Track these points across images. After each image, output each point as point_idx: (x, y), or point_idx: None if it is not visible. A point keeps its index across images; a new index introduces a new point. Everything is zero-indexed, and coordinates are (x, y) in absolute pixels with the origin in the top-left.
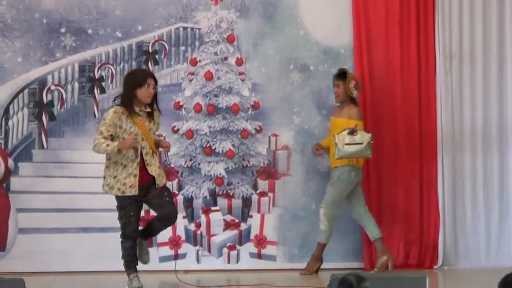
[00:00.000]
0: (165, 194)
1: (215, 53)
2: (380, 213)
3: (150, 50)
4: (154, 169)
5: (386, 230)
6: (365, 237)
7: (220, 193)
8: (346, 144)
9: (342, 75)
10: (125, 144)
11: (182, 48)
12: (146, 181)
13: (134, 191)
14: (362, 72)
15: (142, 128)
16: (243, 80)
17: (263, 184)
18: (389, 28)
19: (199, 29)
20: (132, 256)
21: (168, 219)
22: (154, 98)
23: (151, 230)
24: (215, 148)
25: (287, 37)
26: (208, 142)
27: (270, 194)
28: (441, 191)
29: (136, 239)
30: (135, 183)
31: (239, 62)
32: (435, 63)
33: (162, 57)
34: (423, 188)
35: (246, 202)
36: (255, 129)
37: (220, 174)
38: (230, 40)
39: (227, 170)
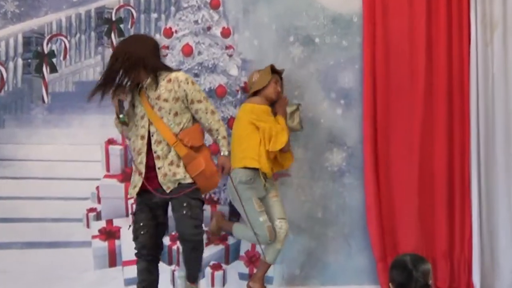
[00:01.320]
0: (184, 204)
1: (196, 22)
2: (395, 222)
3: (114, 18)
4: (163, 168)
5: (404, 243)
6: (378, 254)
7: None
8: None
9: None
10: None
11: (154, 15)
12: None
13: (134, 193)
14: (374, 46)
15: (146, 107)
16: (230, 56)
17: None
18: None
19: None
20: (143, 284)
21: (182, 242)
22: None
23: (183, 261)
24: None
25: (286, 1)
26: None
27: None
28: (475, 194)
29: (152, 261)
30: (138, 182)
31: (226, 33)
32: (470, 34)
33: (129, 26)
34: (452, 190)
35: (235, 209)
36: None
37: None
38: (215, 5)
39: None
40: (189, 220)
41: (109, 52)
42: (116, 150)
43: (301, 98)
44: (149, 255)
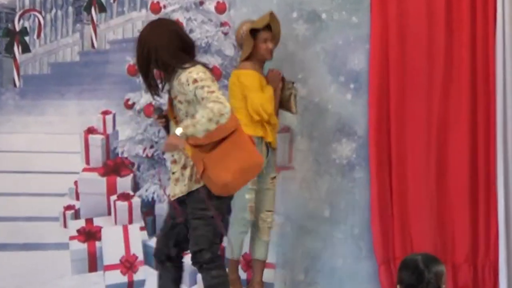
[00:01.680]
0: (192, 214)
1: None
2: (409, 222)
3: None
4: (177, 172)
5: (418, 245)
6: (379, 257)
7: None
8: None
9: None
10: None
11: None
12: None
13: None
14: (385, 24)
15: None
16: (226, 34)
17: None
18: None
19: None
20: None
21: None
22: None
23: None
24: None
25: None
26: None
27: None
28: (501, 192)
29: (160, 263)
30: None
31: (221, 8)
32: (496, 10)
33: (111, 0)
34: (475, 187)
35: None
36: None
37: None
38: None
39: None
40: (191, 242)
41: (88, 29)
42: (96, 140)
43: (305, 82)
44: (157, 256)
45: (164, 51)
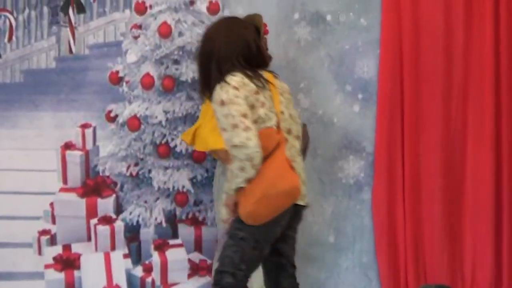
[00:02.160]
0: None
1: None
2: (424, 248)
3: None
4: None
5: (433, 273)
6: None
7: (184, 217)
8: None
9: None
10: None
11: None
12: None
13: None
14: (397, 26)
15: None
16: None
17: None
18: None
19: None
20: None
21: None
22: None
23: None
24: (175, 146)
25: None
26: (164, 136)
27: None
28: None
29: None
30: None
31: (214, 9)
32: None
33: (91, 0)
34: (499, 207)
35: None
36: None
37: (183, 187)
38: None
39: (194, 181)
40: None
41: (66, 32)
42: (75, 157)
43: (308, 92)
44: None
45: (223, 54)
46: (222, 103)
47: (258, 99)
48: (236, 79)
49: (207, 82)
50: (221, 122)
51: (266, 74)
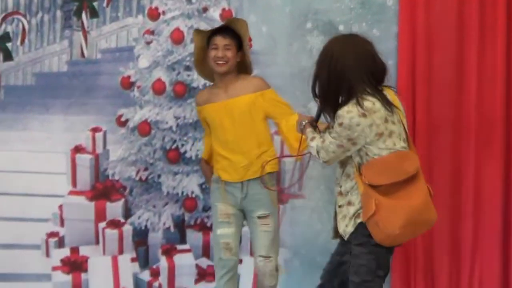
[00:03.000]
0: (355, 240)
1: (189, 1)
2: (434, 261)
3: None
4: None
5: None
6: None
7: (192, 223)
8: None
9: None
10: None
11: None
12: None
13: None
14: (413, 36)
15: None
16: None
17: None
18: None
19: None
20: None
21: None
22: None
23: None
24: (185, 152)
25: None
26: (175, 141)
27: None
28: None
29: None
30: None
31: (227, 16)
32: None
33: (104, 5)
34: (508, 223)
35: None
36: None
37: (192, 192)
38: None
39: (203, 186)
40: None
41: (78, 36)
42: (85, 161)
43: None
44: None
45: (354, 72)
46: (341, 124)
47: (387, 128)
48: (367, 104)
49: (334, 102)
50: (333, 133)
51: (388, 92)
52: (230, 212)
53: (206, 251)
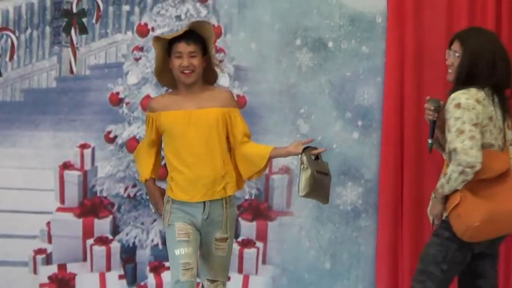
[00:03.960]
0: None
1: (178, 18)
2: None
3: (75, 10)
4: None
5: None
6: None
7: None
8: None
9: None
10: None
11: (126, 7)
12: None
13: None
14: (402, 53)
15: None
16: (221, 62)
17: (248, 228)
18: None
19: None
20: None
21: None
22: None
23: None
24: None
25: None
26: (163, 158)
27: (259, 244)
28: None
29: None
30: None
31: (216, 33)
32: None
33: (94, 21)
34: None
35: None
36: None
37: None
38: None
39: None
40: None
41: (67, 52)
42: (73, 177)
43: (307, 118)
44: None
45: (487, 71)
46: (458, 106)
47: (488, 125)
48: (480, 94)
49: (467, 79)
50: (450, 123)
51: None
52: (189, 231)
53: None
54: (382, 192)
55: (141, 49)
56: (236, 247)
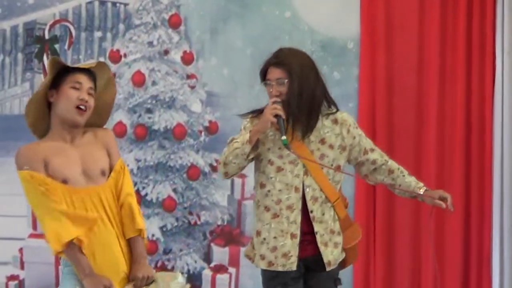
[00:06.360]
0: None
1: (150, 44)
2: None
3: (47, 36)
4: (324, 235)
5: None
6: None
7: (153, 265)
8: None
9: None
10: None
11: (98, 34)
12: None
13: (292, 265)
14: (374, 78)
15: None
16: (192, 88)
17: (220, 254)
18: (425, 11)
19: (126, 4)
20: None
21: None
22: None
23: None
24: (146, 195)
25: (265, 21)
26: (135, 184)
27: (232, 270)
28: (496, 269)
29: None
30: (294, 249)
31: (188, 59)
32: (495, 64)
33: (66, 47)
34: (468, 265)
35: (194, 281)
36: (211, 165)
37: (153, 235)
38: (174, 22)
39: (163, 229)
40: None
41: (39, 79)
42: None
43: None
44: None
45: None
46: (357, 127)
47: None
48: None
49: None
50: (369, 142)
51: None
52: None
53: None
54: (356, 219)
55: (113, 75)
56: (208, 272)
